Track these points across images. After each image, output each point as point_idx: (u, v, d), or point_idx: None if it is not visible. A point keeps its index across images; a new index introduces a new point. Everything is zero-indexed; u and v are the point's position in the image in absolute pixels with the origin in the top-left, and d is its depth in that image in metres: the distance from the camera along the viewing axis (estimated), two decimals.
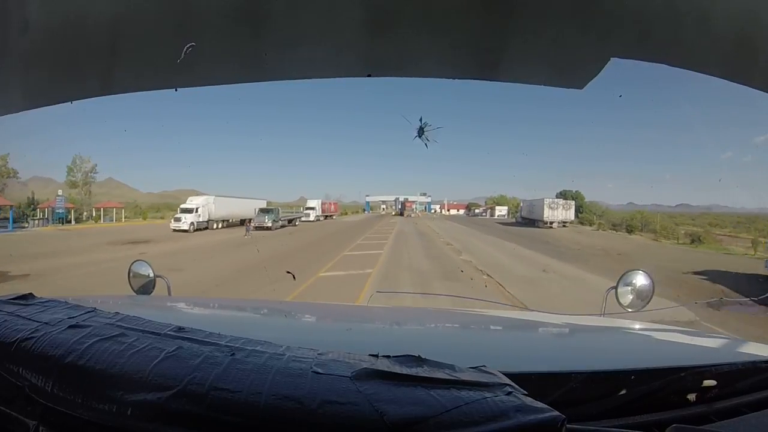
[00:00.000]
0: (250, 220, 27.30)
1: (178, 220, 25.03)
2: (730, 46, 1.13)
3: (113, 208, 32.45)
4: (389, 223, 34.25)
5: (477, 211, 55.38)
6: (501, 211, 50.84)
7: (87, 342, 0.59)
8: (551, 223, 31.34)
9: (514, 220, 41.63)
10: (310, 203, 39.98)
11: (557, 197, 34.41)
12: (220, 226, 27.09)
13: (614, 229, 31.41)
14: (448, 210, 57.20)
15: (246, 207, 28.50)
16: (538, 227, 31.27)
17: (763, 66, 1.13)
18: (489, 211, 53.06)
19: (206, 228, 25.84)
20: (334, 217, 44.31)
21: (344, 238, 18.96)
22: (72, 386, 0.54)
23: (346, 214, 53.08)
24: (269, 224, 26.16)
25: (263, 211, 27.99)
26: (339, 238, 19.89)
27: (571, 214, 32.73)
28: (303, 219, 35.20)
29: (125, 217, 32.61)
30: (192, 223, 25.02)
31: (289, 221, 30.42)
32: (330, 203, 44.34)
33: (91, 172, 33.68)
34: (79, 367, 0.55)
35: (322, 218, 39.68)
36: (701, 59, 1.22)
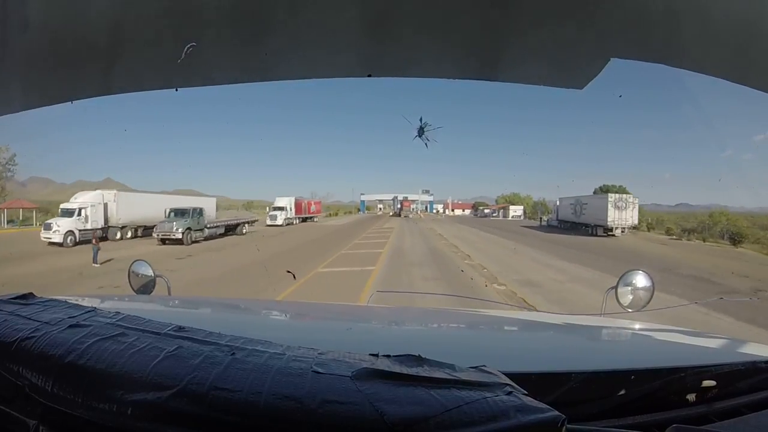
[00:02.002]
0: (144, 227, 18.66)
1: (48, 228, 16.49)
2: (730, 46, 1.13)
3: (20, 208, 24.57)
4: (382, 229, 25.04)
5: (486, 211, 49.25)
6: (516, 211, 44.69)
7: (87, 341, 0.59)
8: (613, 229, 23.15)
9: (543, 224, 32.76)
10: (279, 202, 30.01)
11: (596, 194, 26.28)
12: (131, 234, 18.75)
13: (701, 238, 23.02)
14: (452, 210, 52.53)
15: (173, 207, 19.30)
16: (595, 235, 23.23)
17: (763, 66, 1.13)
18: (501, 211, 46.83)
19: (104, 238, 16.91)
20: (316, 219, 34.84)
21: (291, 267, 9.76)
22: (72, 386, 0.53)
23: (335, 214, 45.88)
24: (178, 235, 17.05)
25: (177, 213, 18.22)
26: (282, 264, 10.76)
27: (635, 217, 24.15)
28: (269, 222, 27.13)
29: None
30: (70, 233, 16.41)
31: (229, 228, 21.45)
32: (309, 202, 34.73)
33: (9, 164, 25.51)
34: (79, 367, 0.55)
35: (296, 221, 30.55)
36: (701, 59, 1.22)
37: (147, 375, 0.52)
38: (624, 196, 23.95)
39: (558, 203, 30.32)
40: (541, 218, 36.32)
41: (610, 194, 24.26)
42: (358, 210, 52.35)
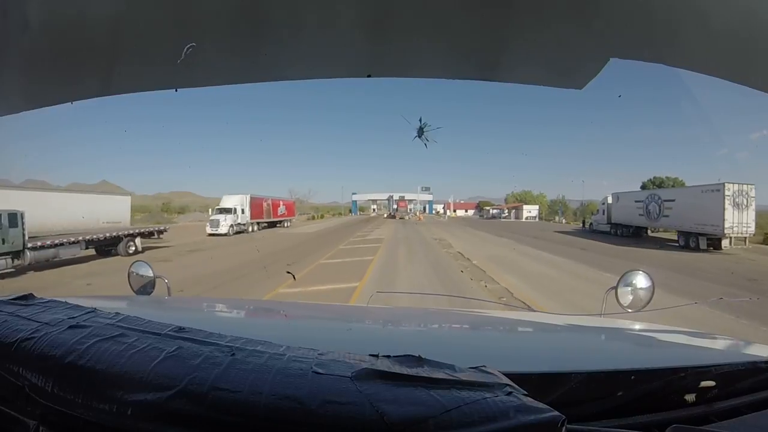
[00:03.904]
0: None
1: None
2: (730, 46, 1.13)
3: None
4: (366, 242, 17.08)
5: (494, 211, 43.56)
6: (531, 211, 39.58)
7: (87, 342, 0.59)
8: (722, 240, 14.93)
9: (586, 227, 25.82)
10: (226, 201, 21.86)
11: (700, 186, 16.76)
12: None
13: None
14: (454, 210, 48.43)
15: (77, 208, 12.64)
16: (696, 248, 15.15)
17: (763, 66, 1.13)
18: (514, 211, 41.27)
19: None
20: (288, 223, 26.96)
21: None
22: (72, 386, 0.54)
23: (322, 216, 40.22)
24: None
25: None
26: None
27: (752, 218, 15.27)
28: (210, 231, 19.85)
29: None
30: None
31: (104, 244, 13.67)
32: (277, 202, 26.23)
33: None
34: (79, 367, 0.55)
35: (254, 227, 22.61)
36: (701, 59, 1.22)
37: (147, 375, 0.52)
38: (744, 187, 15.12)
39: (610, 201, 22.42)
40: (584, 221, 29.10)
41: (727, 184, 15.07)
42: (350, 211, 47.14)
